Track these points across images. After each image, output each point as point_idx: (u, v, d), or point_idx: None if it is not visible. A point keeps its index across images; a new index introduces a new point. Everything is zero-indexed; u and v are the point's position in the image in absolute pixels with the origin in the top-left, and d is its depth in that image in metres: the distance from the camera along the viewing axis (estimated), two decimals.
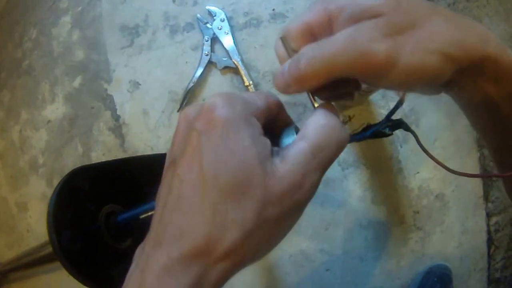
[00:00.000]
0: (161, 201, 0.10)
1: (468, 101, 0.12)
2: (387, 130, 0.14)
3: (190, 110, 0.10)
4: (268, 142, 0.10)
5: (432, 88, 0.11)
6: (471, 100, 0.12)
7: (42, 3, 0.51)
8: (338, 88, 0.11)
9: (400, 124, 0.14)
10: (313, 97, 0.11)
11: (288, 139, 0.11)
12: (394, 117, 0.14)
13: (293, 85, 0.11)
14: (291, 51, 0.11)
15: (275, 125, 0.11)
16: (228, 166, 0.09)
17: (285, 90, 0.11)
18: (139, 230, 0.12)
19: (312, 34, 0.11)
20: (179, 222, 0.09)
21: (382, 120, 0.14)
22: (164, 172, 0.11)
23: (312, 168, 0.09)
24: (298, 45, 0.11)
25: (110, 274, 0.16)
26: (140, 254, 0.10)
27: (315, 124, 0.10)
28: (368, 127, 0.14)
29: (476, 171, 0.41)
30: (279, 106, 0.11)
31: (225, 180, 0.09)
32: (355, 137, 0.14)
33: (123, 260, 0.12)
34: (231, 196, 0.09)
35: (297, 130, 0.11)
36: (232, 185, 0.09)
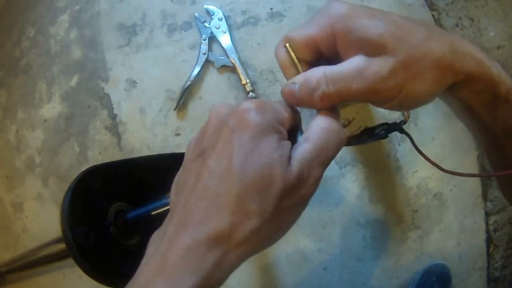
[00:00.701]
0: (187, 189, 0.11)
1: (456, 108, 0.14)
2: (383, 133, 0.15)
3: (222, 108, 0.12)
4: (289, 145, 0.11)
5: (426, 103, 0.13)
6: (458, 108, 0.14)
7: (40, 2, 0.51)
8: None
9: (396, 127, 0.15)
10: None
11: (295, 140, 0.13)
12: (391, 120, 0.15)
13: (303, 105, 0.12)
14: (296, 60, 0.13)
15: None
16: (256, 163, 0.10)
17: (294, 105, 0.13)
18: (146, 228, 0.13)
19: (316, 46, 0.13)
20: (205, 208, 0.10)
21: (379, 124, 0.15)
22: (189, 161, 0.12)
23: (315, 166, 0.11)
24: (303, 56, 0.13)
25: (120, 270, 0.17)
26: (160, 239, 0.11)
27: (317, 127, 0.12)
28: (366, 130, 0.15)
29: (475, 169, 0.42)
30: (299, 115, 0.13)
31: (251, 175, 0.10)
32: (354, 142, 0.15)
33: (131, 257, 0.13)
34: (254, 189, 0.10)
35: (301, 132, 0.13)
36: (257, 180, 0.10)
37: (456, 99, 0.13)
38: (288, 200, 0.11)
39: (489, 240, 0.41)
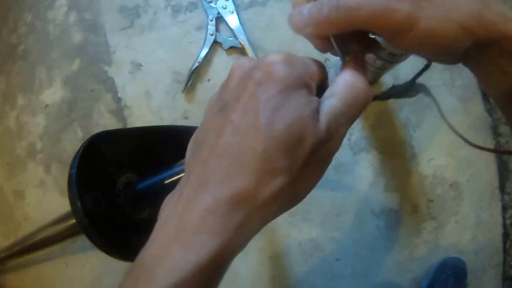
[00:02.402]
0: (206, 146, 0.10)
1: (484, 75, 0.13)
2: (407, 84, 0.14)
3: (246, 61, 0.11)
4: (318, 101, 0.11)
5: (449, 57, 0.12)
6: (488, 75, 0.12)
7: None
8: (357, 41, 0.12)
9: (423, 88, 0.14)
10: (339, 47, 0.12)
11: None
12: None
13: (311, 27, 0.11)
14: None
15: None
16: (285, 118, 0.10)
17: (301, 30, 0.11)
18: (158, 200, 0.11)
19: None
20: (228, 166, 0.10)
21: (407, 82, 0.14)
22: (209, 117, 0.11)
23: (341, 122, 0.10)
24: None
25: (130, 243, 0.16)
26: (175, 201, 0.10)
27: (344, 81, 0.11)
28: (394, 87, 0.14)
29: (492, 158, 0.40)
30: (325, 70, 0.12)
31: (280, 130, 0.09)
32: (382, 96, 0.14)
33: (142, 231, 0.12)
34: (283, 145, 0.09)
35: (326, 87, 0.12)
36: (286, 136, 0.09)
37: (487, 63, 0.11)
38: (316, 155, 0.10)
39: (506, 236, 0.40)
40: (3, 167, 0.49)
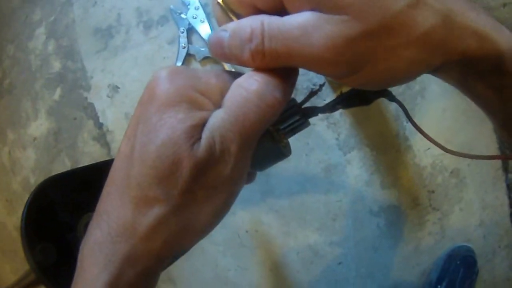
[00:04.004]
0: (109, 174, 0.10)
1: (454, 86, 0.11)
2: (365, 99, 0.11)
3: (154, 76, 0.10)
4: (203, 116, 0.09)
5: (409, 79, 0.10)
6: (456, 87, 0.11)
7: (15, 18, 0.48)
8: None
9: (384, 93, 0.11)
10: None
11: None
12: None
13: (233, 61, 0.09)
14: (232, 16, 0.10)
15: None
16: (156, 140, 0.08)
17: (223, 60, 0.10)
18: None
19: (255, 7, 0.09)
20: (113, 195, 0.09)
21: (357, 89, 0.11)
22: None
23: (230, 138, 0.09)
24: (240, 11, 0.10)
25: None
26: (87, 232, 0.10)
27: (234, 85, 0.09)
28: (342, 95, 0.11)
29: (491, 140, 0.38)
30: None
31: (151, 154, 0.08)
32: (323, 109, 0.11)
33: None
34: (154, 170, 0.08)
35: None
36: (156, 160, 0.08)
37: (451, 81, 0.10)
38: (201, 181, 0.08)
39: None
40: (3, 204, 0.49)
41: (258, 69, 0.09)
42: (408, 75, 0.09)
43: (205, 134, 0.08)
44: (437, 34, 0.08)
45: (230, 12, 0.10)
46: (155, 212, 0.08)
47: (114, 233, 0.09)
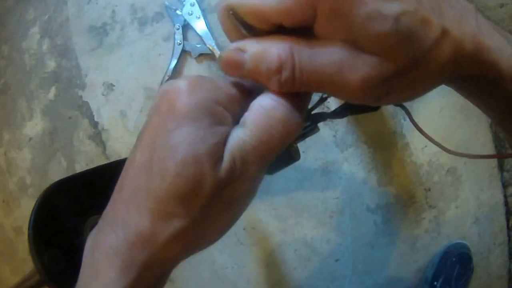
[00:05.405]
0: (118, 182, 0.10)
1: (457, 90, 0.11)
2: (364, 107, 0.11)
3: (165, 87, 0.10)
4: (224, 132, 0.09)
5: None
6: (459, 92, 0.11)
7: (9, 18, 0.46)
8: None
9: None
10: None
11: None
12: None
13: (249, 79, 0.09)
14: (244, 28, 0.09)
15: None
16: (176, 158, 0.08)
17: (236, 76, 0.09)
18: None
19: (276, 23, 0.09)
20: (128, 204, 0.09)
21: None
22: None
23: (251, 160, 0.09)
24: (255, 24, 0.09)
25: None
26: (94, 235, 0.10)
27: (258, 107, 0.09)
28: (347, 105, 0.11)
29: (488, 138, 0.37)
30: (258, 91, 0.10)
31: (171, 171, 0.08)
32: (331, 115, 0.11)
33: None
34: (174, 188, 0.08)
35: None
36: (177, 178, 0.08)
37: (455, 88, 0.11)
38: (218, 199, 0.09)
39: (508, 213, 0.37)
40: (0, 205, 0.47)
41: (279, 91, 0.09)
42: (420, 95, 0.09)
43: (227, 155, 0.08)
44: (452, 61, 0.08)
45: (241, 24, 0.09)
46: (174, 224, 0.08)
47: (131, 240, 0.09)
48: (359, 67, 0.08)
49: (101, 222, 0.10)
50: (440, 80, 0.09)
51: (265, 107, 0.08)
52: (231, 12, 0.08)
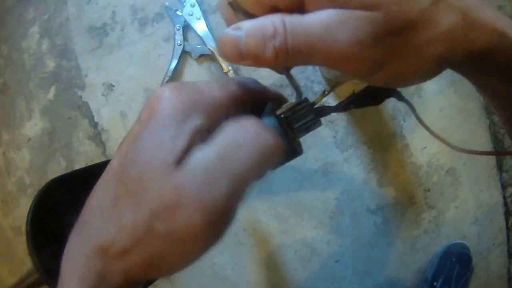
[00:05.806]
0: (94, 187, 0.10)
1: (469, 80, 0.11)
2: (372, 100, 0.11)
3: (152, 94, 0.10)
4: (195, 137, 0.08)
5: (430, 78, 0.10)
6: (471, 82, 0.11)
7: (9, 17, 0.46)
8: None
9: (393, 93, 0.11)
10: (292, 81, 0.10)
11: (265, 120, 0.10)
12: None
13: (250, 60, 0.09)
14: (244, 16, 0.09)
15: (259, 105, 0.10)
16: (138, 160, 0.08)
17: (237, 62, 0.09)
18: None
19: (274, 7, 0.09)
20: (90, 213, 0.09)
21: (369, 88, 0.11)
22: None
23: (218, 178, 0.07)
24: (253, 11, 0.09)
25: None
26: (69, 239, 0.10)
27: (231, 123, 0.08)
28: (355, 95, 0.11)
29: (487, 139, 0.37)
30: (251, 91, 0.10)
31: (133, 174, 0.08)
32: (335, 108, 0.11)
33: None
34: (130, 194, 0.08)
35: (274, 108, 0.10)
36: (134, 182, 0.08)
37: (467, 76, 0.10)
38: (163, 222, 0.07)
39: (507, 213, 0.37)
40: None
41: (279, 66, 0.09)
42: (430, 72, 0.09)
43: (185, 170, 0.07)
44: (459, 30, 0.08)
45: (241, 13, 0.09)
46: (121, 239, 0.08)
47: (88, 248, 0.08)
48: (350, 25, 0.07)
49: (74, 227, 0.10)
50: (452, 54, 0.08)
51: (239, 120, 0.08)
52: (231, 0, 0.09)
